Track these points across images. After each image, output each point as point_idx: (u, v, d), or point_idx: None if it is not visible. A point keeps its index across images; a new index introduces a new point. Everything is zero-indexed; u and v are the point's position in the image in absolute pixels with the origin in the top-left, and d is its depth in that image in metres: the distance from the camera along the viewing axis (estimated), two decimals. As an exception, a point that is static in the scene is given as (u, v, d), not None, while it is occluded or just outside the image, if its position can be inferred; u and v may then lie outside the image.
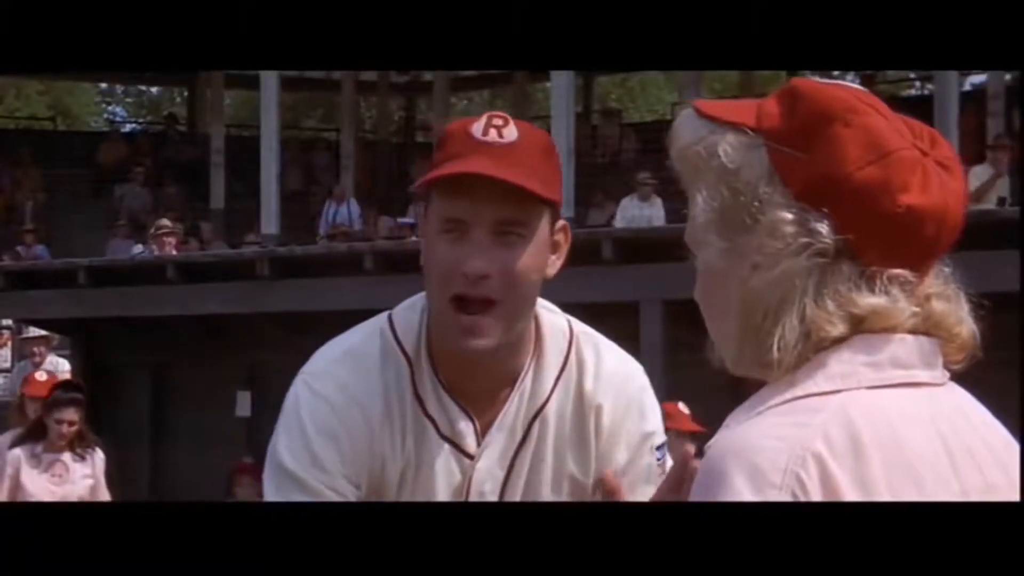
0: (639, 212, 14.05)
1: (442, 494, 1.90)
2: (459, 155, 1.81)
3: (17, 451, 7.22)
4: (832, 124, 1.22)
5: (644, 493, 1.92)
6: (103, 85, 35.07)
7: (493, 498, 1.91)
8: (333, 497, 1.85)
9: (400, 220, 16.31)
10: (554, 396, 1.92)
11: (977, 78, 20.21)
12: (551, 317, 1.96)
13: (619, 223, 13.72)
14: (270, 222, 15.74)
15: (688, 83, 18.65)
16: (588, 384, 1.93)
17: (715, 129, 1.26)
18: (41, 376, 8.19)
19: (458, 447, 1.90)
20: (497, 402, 1.91)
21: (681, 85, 20.71)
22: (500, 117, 1.84)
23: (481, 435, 1.91)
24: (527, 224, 1.81)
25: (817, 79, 1.30)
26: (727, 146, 1.25)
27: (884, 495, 1.16)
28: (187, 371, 13.00)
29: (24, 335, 14.75)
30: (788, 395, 1.20)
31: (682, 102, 19.05)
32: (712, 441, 1.20)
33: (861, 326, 1.21)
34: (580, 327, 1.98)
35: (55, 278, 12.93)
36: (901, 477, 1.17)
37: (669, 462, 1.98)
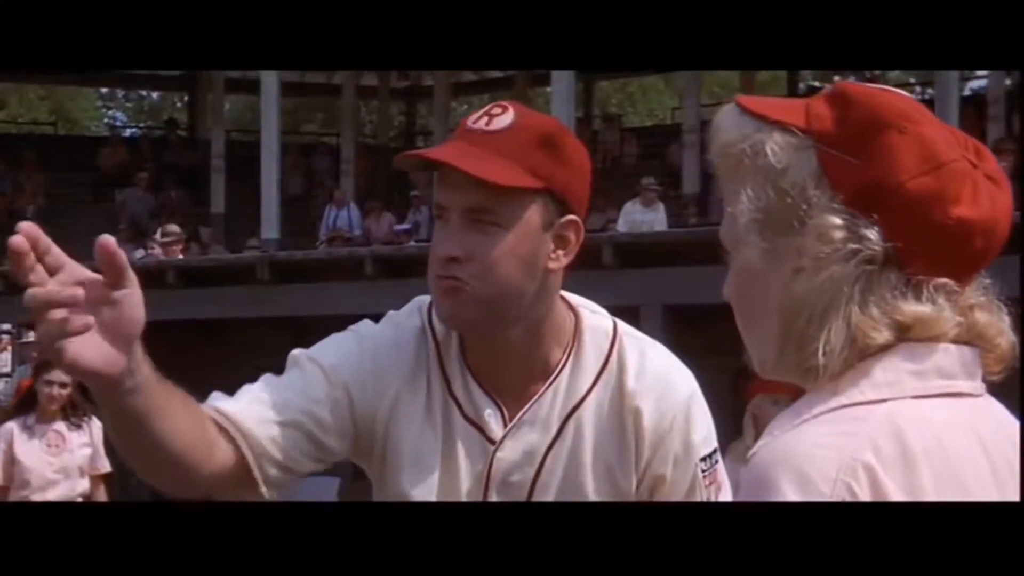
0: (641, 217, 14.08)
1: (463, 477, 1.89)
2: (446, 142, 1.84)
3: (8, 424, 6.82)
4: (886, 131, 1.21)
5: (684, 497, 1.90)
6: (103, 90, 35.10)
7: (521, 491, 1.89)
8: (314, 394, 1.86)
9: (396, 227, 16.33)
10: (592, 395, 1.90)
11: (977, 82, 20.24)
12: (593, 317, 1.95)
13: (621, 227, 13.74)
14: (271, 226, 15.76)
15: (688, 88, 18.67)
16: (629, 384, 1.90)
17: (761, 127, 1.24)
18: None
19: (482, 431, 1.90)
20: (527, 394, 1.90)
21: (681, 90, 20.72)
22: (501, 106, 1.84)
23: (507, 423, 1.90)
24: (498, 212, 1.79)
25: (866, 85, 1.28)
26: (775, 145, 1.23)
27: None
28: (187, 376, 12.95)
29: (24, 339, 14.73)
30: (833, 403, 1.19)
31: (682, 107, 19.07)
32: (756, 449, 1.19)
33: (907, 334, 1.20)
34: (627, 329, 1.95)
35: (55, 282, 12.92)
36: (949, 487, 1.17)
37: (722, 471, 1.95)
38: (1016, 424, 1.28)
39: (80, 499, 6.85)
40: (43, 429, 6.79)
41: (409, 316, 1.95)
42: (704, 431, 1.92)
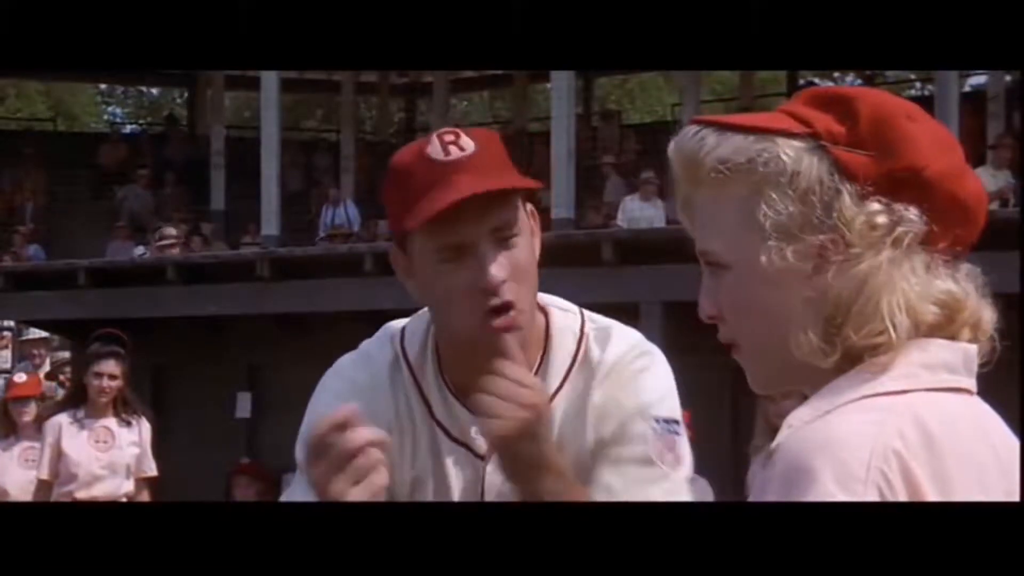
0: (640, 212, 14.07)
1: (458, 495, 1.90)
2: (435, 183, 1.79)
3: (57, 418, 6.62)
4: (897, 121, 1.28)
5: (632, 455, 1.87)
6: (103, 86, 35.08)
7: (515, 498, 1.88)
8: None
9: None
10: (561, 395, 1.90)
11: (976, 79, 20.22)
12: (562, 316, 1.95)
13: (620, 222, 13.74)
14: (270, 223, 15.74)
15: (687, 85, 18.65)
16: (594, 381, 1.91)
17: (760, 138, 1.29)
18: (21, 377, 7.71)
19: (469, 449, 1.90)
20: None
21: (681, 87, 20.71)
22: (453, 132, 1.84)
23: None
24: (516, 223, 1.83)
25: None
26: (788, 151, 1.27)
27: (957, 493, 1.19)
28: (187, 372, 12.99)
29: (24, 337, 14.74)
30: (856, 393, 1.23)
31: (681, 104, 19.06)
32: (783, 440, 1.21)
33: (955, 315, 1.26)
34: (593, 323, 1.96)
35: (55, 279, 12.92)
36: (970, 476, 1.21)
37: (682, 441, 1.92)
38: (1002, 423, 1.31)
39: (124, 499, 6.65)
40: (92, 424, 6.60)
41: (381, 348, 1.96)
42: (657, 394, 1.91)
